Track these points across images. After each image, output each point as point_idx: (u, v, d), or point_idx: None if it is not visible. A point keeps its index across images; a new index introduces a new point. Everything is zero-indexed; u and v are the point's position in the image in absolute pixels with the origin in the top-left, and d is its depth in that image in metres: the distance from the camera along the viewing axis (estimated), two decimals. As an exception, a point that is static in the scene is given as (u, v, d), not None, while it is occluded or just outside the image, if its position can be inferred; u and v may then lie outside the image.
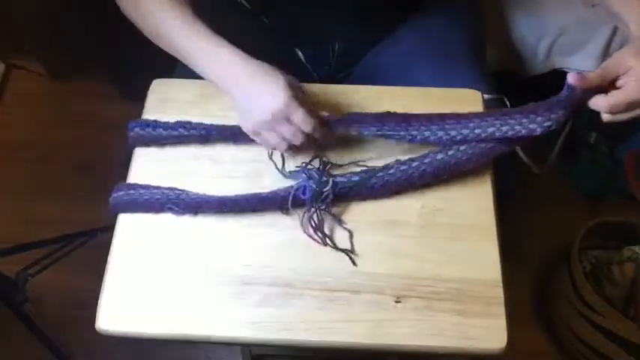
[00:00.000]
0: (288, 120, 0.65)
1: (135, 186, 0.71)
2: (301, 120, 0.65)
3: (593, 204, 1.45)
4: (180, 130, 0.73)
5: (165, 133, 0.73)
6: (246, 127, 0.68)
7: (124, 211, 0.70)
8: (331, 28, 0.88)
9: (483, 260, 0.67)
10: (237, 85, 0.67)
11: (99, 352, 1.19)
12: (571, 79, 0.64)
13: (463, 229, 0.69)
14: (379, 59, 0.91)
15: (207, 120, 0.75)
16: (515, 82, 1.29)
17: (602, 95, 0.64)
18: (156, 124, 0.73)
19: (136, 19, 0.73)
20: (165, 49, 0.72)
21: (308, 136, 0.67)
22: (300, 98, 0.66)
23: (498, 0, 1.24)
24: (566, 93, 0.64)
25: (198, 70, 0.71)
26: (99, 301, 0.65)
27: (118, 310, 0.64)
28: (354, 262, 0.66)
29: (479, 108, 0.77)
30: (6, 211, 1.46)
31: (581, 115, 1.37)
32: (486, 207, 0.70)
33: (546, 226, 1.40)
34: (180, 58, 0.72)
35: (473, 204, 0.70)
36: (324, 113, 0.69)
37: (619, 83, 0.63)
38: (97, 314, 0.64)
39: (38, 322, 1.11)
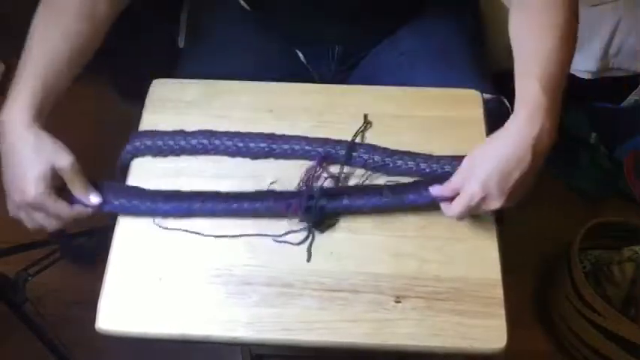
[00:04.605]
0: (39, 209, 0.64)
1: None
2: (53, 211, 0.64)
3: (593, 204, 1.45)
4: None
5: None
6: (8, 203, 0.66)
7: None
8: (331, 32, 0.88)
9: (483, 260, 0.67)
10: (7, 151, 0.64)
11: (99, 352, 1.19)
12: (434, 191, 0.66)
13: (463, 229, 0.68)
14: (379, 59, 0.91)
15: (208, 120, 0.75)
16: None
17: (448, 204, 0.65)
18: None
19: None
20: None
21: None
22: (67, 178, 0.65)
23: (498, 0, 1.23)
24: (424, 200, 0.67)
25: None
26: (99, 301, 0.65)
27: (118, 310, 0.64)
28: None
29: (479, 108, 0.77)
30: (6, 211, 1.46)
31: (581, 116, 1.38)
32: (486, 207, 0.70)
33: (546, 226, 1.40)
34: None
35: (473, 204, 0.70)
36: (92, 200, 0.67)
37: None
38: (97, 314, 0.64)
39: (38, 322, 1.11)
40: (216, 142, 0.73)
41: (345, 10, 0.83)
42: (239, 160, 0.73)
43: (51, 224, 0.66)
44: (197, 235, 0.68)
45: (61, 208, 0.65)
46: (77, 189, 0.66)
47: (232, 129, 0.74)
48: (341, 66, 0.92)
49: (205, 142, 0.73)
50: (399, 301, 0.64)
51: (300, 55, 0.91)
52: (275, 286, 0.65)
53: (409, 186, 0.69)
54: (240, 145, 0.73)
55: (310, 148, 0.73)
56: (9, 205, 0.66)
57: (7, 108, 0.64)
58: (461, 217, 0.66)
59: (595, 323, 1.14)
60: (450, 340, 0.62)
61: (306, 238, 0.68)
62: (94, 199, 0.67)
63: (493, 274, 0.66)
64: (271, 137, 0.73)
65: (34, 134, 0.63)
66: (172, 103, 0.78)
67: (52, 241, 0.69)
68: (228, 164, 0.73)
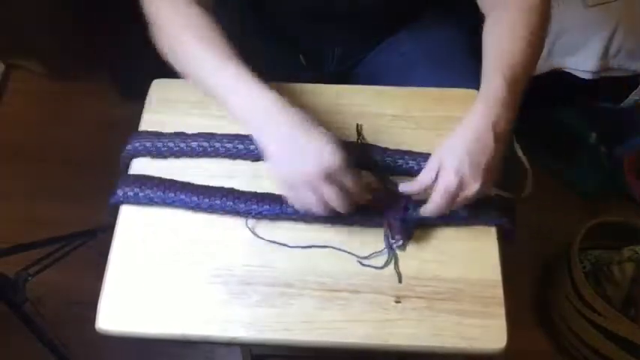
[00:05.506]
0: (335, 182, 0.61)
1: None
2: (352, 184, 0.62)
3: (593, 204, 1.46)
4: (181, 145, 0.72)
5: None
6: (282, 178, 0.63)
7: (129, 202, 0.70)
8: (331, 35, 0.88)
9: (483, 260, 0.67)
10: (280, 131, 0.62)
11: (99, 352, 1.19)
12: (403, 188, 0.67)
13: (463, 229, 0.69)
14: (379, 59, 0.91)
15: (207, 120, 0.75)
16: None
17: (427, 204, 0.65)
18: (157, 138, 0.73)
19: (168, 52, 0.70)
20: (190, 76, 0.69)
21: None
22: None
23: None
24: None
25: (228, 108, 0.65)
26: (99, 301, 0.65)
27: (118, 310, 0.64)
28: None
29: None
30: (6, 211, 1.46)
31: (581, 116, 1.38)
32: (486, 207, 0.70)
33: (546, 226, 1.40)
34: (208, 93, 0.67)
35: (473, 204, 0.70)
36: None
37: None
38: (97, 314, 0.64)
39: (38, 322, 1.11)
40: (217, 144, 0.73)
41: (344, 13, 0.83)
42: (239, 161, 0.73)
43: (341, 200, 0.61)
44: (197, 233, 0.68)
45: (355, 177, 0.62)
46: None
47: (232, 129, 0.74)
48: (341, 66, 0.92)
49: (205, 144, 0.73)
50: (399, 301, 0.64)
51: (300, 55, 0.91)
52: (275, 286, 0.65)
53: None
54: (241, 147, 0.73)
55: None
56: (291, 183, 0.62)
57: (267, 99, 0.64)
58: (441, 211, 0.64)
59: (595, 323, 1.14)
60: (450, 340, 0.62)
61: (390, 259, 0.67)
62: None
63: (493, 274, 0.66)
64: None
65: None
66: (172, 103, 0.78)
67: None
68: (228, 166, 0.73)
